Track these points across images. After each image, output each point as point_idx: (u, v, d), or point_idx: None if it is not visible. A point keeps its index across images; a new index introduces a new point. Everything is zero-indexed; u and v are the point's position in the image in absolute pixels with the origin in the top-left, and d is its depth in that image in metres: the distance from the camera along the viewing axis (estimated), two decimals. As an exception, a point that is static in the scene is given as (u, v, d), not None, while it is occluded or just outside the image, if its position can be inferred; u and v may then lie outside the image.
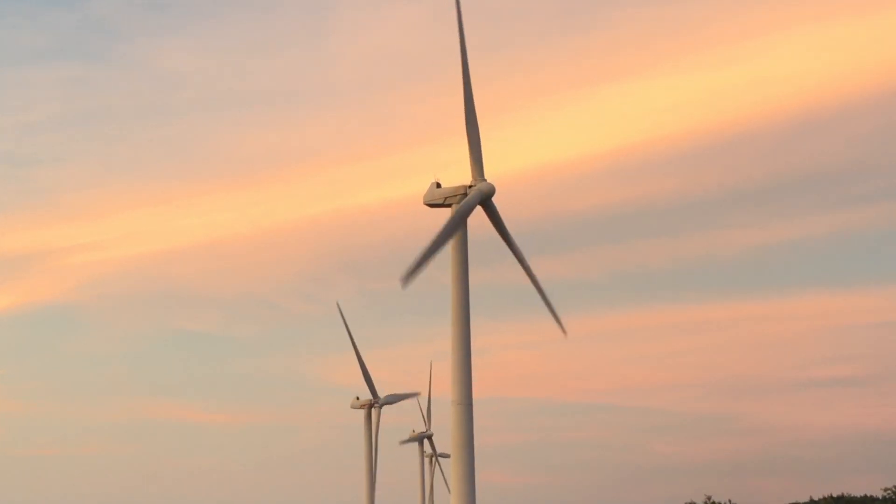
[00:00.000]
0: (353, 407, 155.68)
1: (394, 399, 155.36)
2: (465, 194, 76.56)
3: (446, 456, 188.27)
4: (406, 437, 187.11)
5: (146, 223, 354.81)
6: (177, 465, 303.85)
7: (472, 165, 76.48)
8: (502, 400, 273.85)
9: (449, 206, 77.13)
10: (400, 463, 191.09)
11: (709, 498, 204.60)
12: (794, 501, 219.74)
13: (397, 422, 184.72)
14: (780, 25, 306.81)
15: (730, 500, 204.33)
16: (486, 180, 76.78)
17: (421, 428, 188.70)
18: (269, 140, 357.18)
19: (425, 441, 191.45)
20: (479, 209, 76.75)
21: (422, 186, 78.71)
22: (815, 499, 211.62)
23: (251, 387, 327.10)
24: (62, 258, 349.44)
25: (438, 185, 77.89)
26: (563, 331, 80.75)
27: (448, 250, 75.37)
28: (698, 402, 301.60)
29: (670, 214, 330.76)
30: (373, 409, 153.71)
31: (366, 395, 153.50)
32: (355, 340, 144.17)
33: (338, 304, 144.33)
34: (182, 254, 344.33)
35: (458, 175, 77.15)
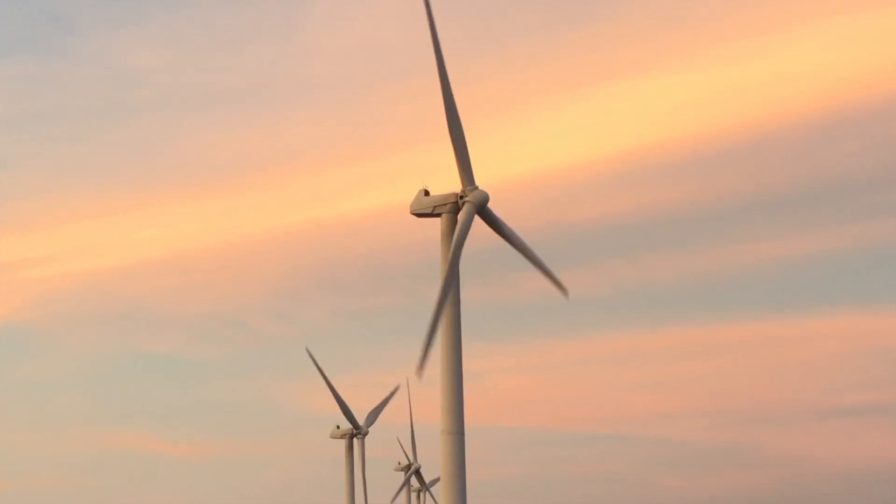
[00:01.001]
0: (333, 437, 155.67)
1: (376, 413, 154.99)
2: (457, 202, 76.65)
3: (436, 481, 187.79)
4: (392, 469, 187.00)
5: (102, 235, 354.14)
6: (138, 500, 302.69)
7: (460, 172, 76.56)
8: (496, 429, 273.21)
9: (438, 215, 77.16)
10: (387, 499, 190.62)
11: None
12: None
13: (381, 455, 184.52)
14: (804, 17, 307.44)
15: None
16: (477, 187, 76.85)
17: (405, 460, 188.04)
18: (238, 143, 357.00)
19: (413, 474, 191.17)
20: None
21: (408, 194, 78.70)
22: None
23: (219, 415, 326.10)
24: (9, 273, 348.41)
25: (427, 193, 77.82)
26: (564, 291, 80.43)
27: (437, 263, 75.58)
28: (712, 432, 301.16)
29: (680, 225, 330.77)
30: (355, 440, 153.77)
31: (347, 424, 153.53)
32: (330, 379, 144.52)
33: (308, 351, 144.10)
34: (142, 269, 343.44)
35: (448, 181, 77.23)
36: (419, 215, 78.09)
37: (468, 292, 76.73)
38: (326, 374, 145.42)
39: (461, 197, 76.73)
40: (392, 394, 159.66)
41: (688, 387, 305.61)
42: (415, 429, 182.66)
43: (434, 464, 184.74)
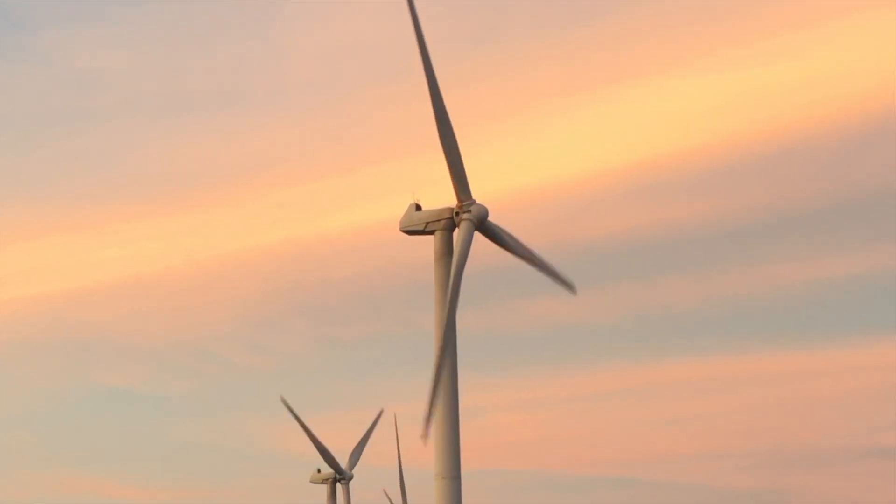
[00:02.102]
0: (314, 481, 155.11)
1: (360, 450, 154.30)
2: (452, 218, 76.31)
3: None
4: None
5: (55, 255, 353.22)
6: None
7: (454, 185, 76.26)
8: (496, 473, 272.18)
9: (431, 232, 76.84)
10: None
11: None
12: None
13: (368, 500, 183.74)
14: (838, 11, 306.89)
15: None
16: (475, 201, 76.59)
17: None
18: (207, 153, 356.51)
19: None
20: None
21: (397, 209, 78.65)
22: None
23: (186, 457, 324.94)
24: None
25: (418, 208, 77.70)
26: (571, 288, 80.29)
27: (430, 287, 75.34)
28: (737, 476, 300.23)
29: (700, 245, 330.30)
30: (338, 484, 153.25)
31: (329, 468, 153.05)
32: (310, 419, 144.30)
33: (283, 400, 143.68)
34: (100, 293, 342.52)
35: (442, 194, 76.95)
36: (410, 233, 77.85)
37: (463, 319, 76.39)
38: (306, 416, 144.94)
39: (457, 213, 76.50)
40: (375, 422, 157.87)
41: (710, 425, 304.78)
42: (404, 472, 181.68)
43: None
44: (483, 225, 76.63)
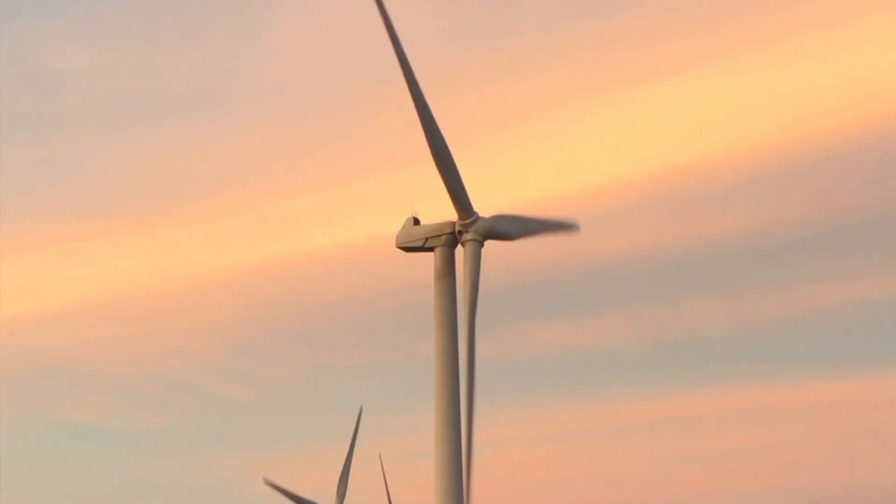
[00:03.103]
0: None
1: (344, 482, 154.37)
2: (454, 233, 76.20)
3: None
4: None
5: (14, 276, 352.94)
6: None
7: (454, 203, 76.01)
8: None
9: (430, 249, 76.78)
10: None
11: None
12: None
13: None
14: (888, 2, 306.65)
15: None
16: (478, 216, 76.59)
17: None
18: (184, 162, 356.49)
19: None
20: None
21: (394, 223, 78.71)
22: None
23: (161, 498, 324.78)
24: None
25: (417, 222, 77.74)
26: (573, 227, 79.74)
27: (430, 309, 75.24)
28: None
29: (730, 262, 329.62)
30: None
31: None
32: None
33: (267, 481, 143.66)
34: (64, 317, 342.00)
35: (442, 207, 76.81)
36: (407, 249, 77.90)
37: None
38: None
39: (460, 231, 76.45)
40: (351, 446, 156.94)
41: (740, 462, 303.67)
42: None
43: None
44: (492, 235, 76.55)
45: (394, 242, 78.28)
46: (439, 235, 76.75)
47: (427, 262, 76.69)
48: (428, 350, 75.06)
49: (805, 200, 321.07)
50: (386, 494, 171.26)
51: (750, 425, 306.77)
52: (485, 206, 76.92)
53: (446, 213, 77.03)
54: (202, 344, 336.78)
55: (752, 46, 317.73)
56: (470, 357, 73.24)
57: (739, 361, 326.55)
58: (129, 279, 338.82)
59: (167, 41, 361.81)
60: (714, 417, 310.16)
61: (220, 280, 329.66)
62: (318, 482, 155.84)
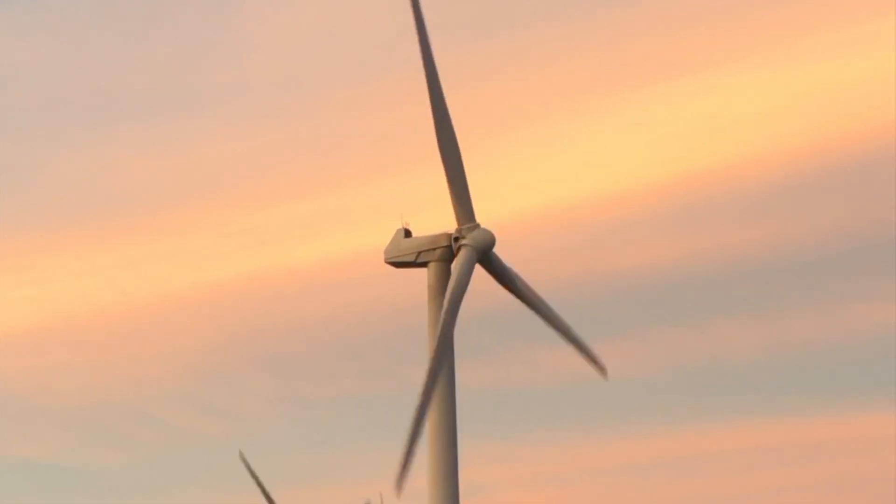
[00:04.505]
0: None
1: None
2: (450, 246, 76.76)
3: None
4: None
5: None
6: None
7: (455, 206, 76.74)
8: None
9: (424, 264, 77.42)
10: None
11: None
12: None
13: None
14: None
15: None
16: (478, 225, 77.03)
17: None
18: (147, 168, 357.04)
19: None
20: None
21: (383, 236, 79.32)
22: None
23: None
24: None
25: (408, 234, 78.39)
26: (602, 369, 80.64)
27: (423, 332, 75.69)
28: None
29: (760, 279, 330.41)
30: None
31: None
32: (274, 497, 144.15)
33: (242, 456, 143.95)
34: (13, 342, 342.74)
35: (436, 217, 77.54)
36: (397, 265, 78.60)
37: (466, 372, 76.89)
38: (268, 489, 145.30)
39: (456, 239, 76.95)
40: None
41: (778, 502, 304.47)
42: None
43: None
44: (487, 256, 76.93)
45: (382, 257, 78.93)
46: (433, 249, 77.34)
47: (420, 280, 77.43)
48: (417, 377, 75.10)
49: (843, 210, 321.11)
50: None
51: (780, 463, 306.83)
52: (484, 215, 77.60)
53: (441, 224, 77.73)
54: (167, 372, 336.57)
55: (784, 39, 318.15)
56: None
57: (771, 391, 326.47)
58: (84, 299, 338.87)
59: (126, 32, 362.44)
60: (739, 454, 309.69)
61: (188, 300, 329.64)
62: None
